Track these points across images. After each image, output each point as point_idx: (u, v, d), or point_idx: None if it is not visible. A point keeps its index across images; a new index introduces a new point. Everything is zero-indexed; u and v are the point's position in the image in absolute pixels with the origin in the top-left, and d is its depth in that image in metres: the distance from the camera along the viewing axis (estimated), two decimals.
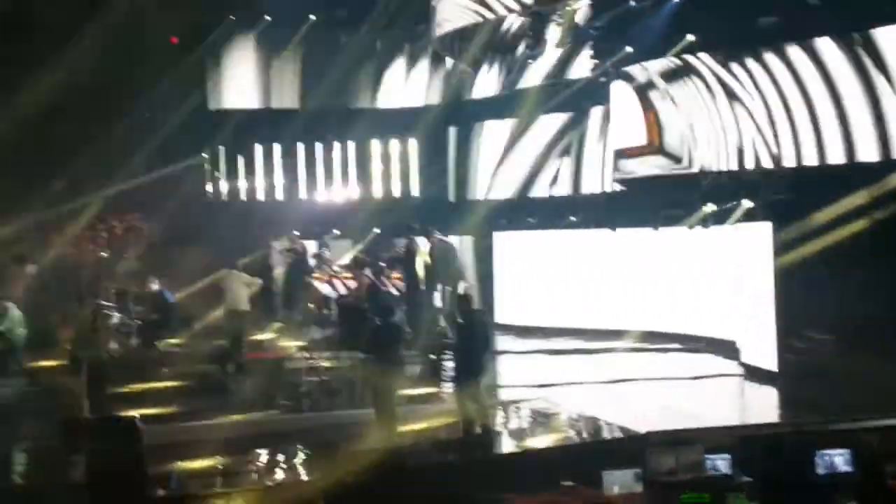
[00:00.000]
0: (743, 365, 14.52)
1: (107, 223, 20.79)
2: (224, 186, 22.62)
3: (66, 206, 18.99)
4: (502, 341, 16.86)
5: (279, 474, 10.41)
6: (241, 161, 22.57)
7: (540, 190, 20.01)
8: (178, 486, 10.10)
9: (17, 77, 19.34)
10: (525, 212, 19.56)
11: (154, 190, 19.72)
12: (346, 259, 18.23)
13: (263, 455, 11.10)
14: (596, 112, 18.87)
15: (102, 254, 20.20)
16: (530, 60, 20.08)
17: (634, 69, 17.53)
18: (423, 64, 22.45)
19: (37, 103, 18.09)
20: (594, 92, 18.74)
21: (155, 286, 16.60)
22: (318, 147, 22.44)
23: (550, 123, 19.75)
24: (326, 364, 14.28)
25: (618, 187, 18.26)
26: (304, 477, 10.27)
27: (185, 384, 14.05)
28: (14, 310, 14.97)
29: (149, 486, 9.55)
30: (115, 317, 16.81)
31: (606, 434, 11.50)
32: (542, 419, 12.29)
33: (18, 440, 11.82)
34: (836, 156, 14.55)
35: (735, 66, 15.83)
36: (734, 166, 16.04)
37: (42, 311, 17.03)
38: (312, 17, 21.93)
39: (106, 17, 19.07)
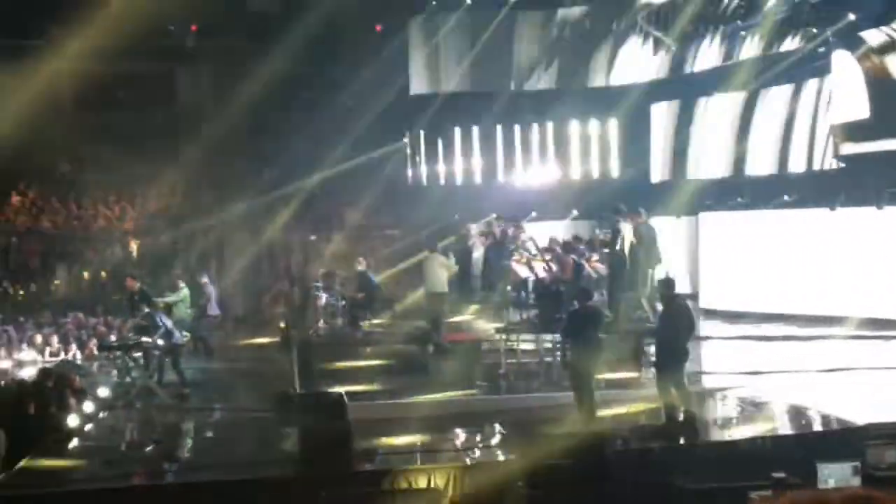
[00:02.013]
0: None
1: (313, 208, 21.68)
2: (424, 170, 22.98)
3: (277, 193, 19.86)
4: (707, 326, 16.18)
5: (478, 453, 10.42)
6: (440, 145, 22.87)
7: (750, 168, 19.05)
8: (381, 461, 10.31)
9: (226, 69, 20.48)
10: (734, 191, 18.67)
11: (358, 175, 20.30)
12: (545, 241, 18.03)
13: (462, 434, 11.17)
14: (814, 84, 17.73)
15: (311, 237, 21.09)
16: (742, 32, 19.10)
17: (860, 36, 16.28)
18: (627, 41, 21.86)
19: (248, 95, 19.02)
20: (812, 63, 17.60)
21: (361, 267, 17.09)
22: (517, 129, 22.35)
23: (764, 98, 18.74)
24: (524, 346, 14.21)
25: (837, 164, 17.08)
26: (503, 457, 10.23)
27: (387, 363, 14.37)
28: (185, 289, 15.78)
29: (354, 459, 9.81)
30: (323, 297, 17.52)
31: (821, 425, 10.82)
32: (751, 408, 11.68)
33: (230, 413, 12.45)
34: None
35: None
36: None
37: (256, 292, 17.99)
38: None
39: (313, 7, 19.80)
